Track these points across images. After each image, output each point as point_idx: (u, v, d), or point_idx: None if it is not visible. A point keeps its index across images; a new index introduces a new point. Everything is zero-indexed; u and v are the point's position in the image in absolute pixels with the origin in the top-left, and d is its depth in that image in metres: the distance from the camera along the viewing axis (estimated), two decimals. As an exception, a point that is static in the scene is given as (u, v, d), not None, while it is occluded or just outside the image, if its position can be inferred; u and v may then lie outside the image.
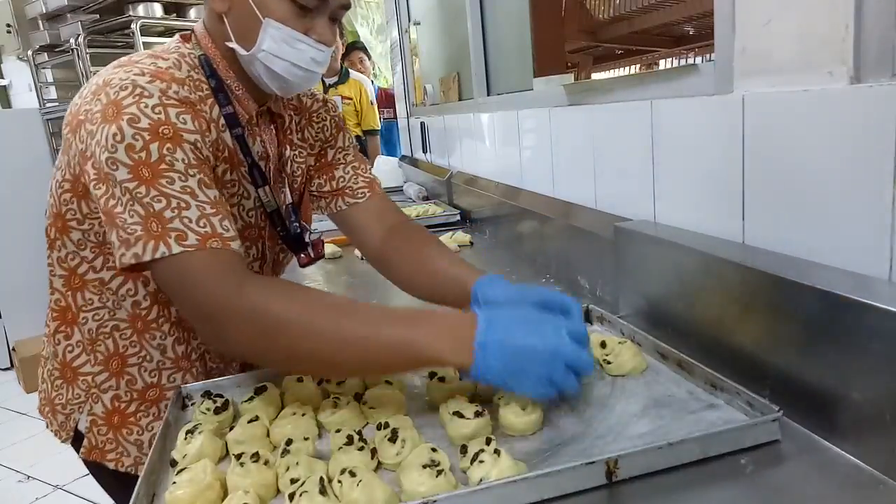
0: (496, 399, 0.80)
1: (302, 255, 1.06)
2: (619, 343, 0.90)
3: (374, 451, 0.72)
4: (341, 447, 0.72)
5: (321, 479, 0.65)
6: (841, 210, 0.72)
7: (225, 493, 0.68)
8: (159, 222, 0.75)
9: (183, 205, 0.76)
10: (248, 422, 0.79)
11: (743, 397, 0.73)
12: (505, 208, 1.79)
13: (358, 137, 4.16)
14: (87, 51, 3.93)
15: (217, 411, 0.82)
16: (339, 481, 0.66)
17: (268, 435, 0.79)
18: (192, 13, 4.32)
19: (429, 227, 2.11)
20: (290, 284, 0.82)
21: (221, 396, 0.86)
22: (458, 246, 1.79)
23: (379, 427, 0.76)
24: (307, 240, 1.06)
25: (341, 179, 1.10)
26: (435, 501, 0.61)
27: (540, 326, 0.74)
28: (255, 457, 0.70)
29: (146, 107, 0.78)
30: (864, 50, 0.68)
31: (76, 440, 0.98)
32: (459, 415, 0.76)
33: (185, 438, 0.76)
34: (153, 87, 0.79)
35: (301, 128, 1.07)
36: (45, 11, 4.23)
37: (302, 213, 1.08)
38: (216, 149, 0.87)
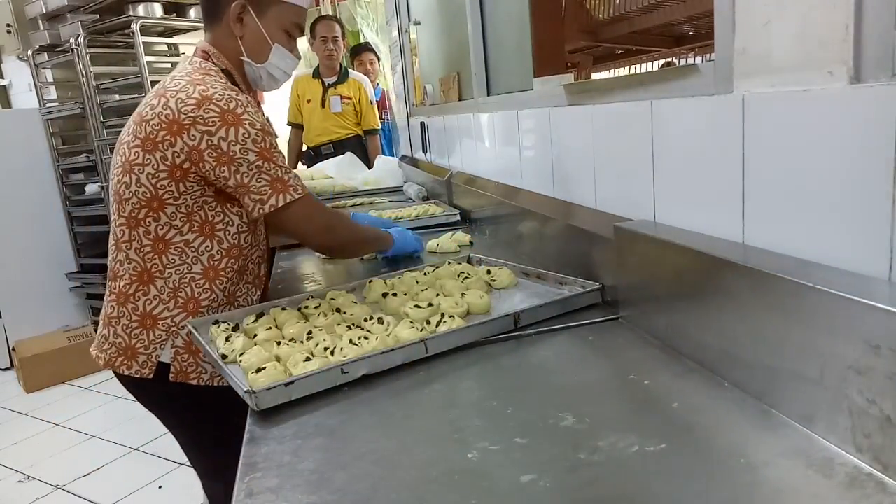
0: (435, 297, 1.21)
1: None
2: (499, 269, 1.36)
3: (367, 333, 1.05)
4: (342, 334, 1.04)
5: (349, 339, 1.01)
6: (841, 210, 0.72)
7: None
8: (281, 182, 1.23)
9: (287, 171, 1.25)
10: (265, 329, 1.13)
11: (580, 283, 1.21)
12: (505, 208, 1.79)
13: (358, 137, 4.16)
14: (87, 51, 3.94)
15: (234, 329, 1.15)
16: (366, 337, 1.02)
17: (282, 337, 1.11)
18: (192, 13, 4.32)
19: (429, 227, 2.11)
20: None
21: (227, 322, 1.18)
22: (459, 246, 1.79)
23: (365, 320, 1.13)
24: None
25: None
26: (429, 339, 1.01)
27: (405, 232, 1.66)
28: (292, 340, 1.06)
29: (251, 114, 1.20)
30: (864, 50, 0.68)
31: (159, 373, 1.26)
32: (417, 306, 1.15)
33: (226, 342, 1.08)
34: (243, 99, 1.22)
35: None
36: (45, 11, 4.23)
37: None
38: None
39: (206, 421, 1.34)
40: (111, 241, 1.29)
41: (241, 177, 1.19)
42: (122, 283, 1.26)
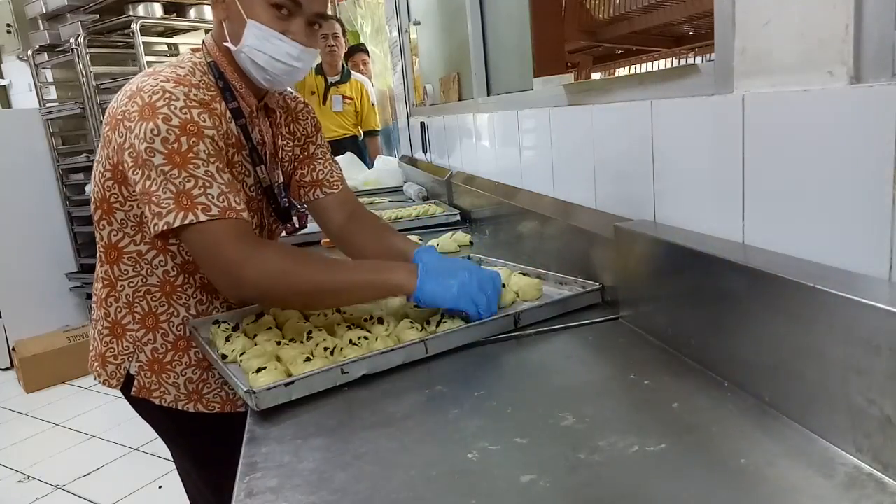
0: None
1: (288, 225, 1.33)
2: (498, 269, 1.29)
3: (367, 333, 1.03)
4: (343, 334, 1.04)
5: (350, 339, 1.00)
6: (841, 210, 0.72)
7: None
8: (188, 198, 0.97)
9: (207, 185, 0.98)
10: (265, 329, 1.11)
11: (580, 283, 1.21)
12: (505, 208, 1.79)
13: (354, 137, 4.16)
14: (87, 51, 3.94)
15: (234, 329, 1.12)
16: (366, 337, 1.00)
17: (282, 337, 1.09)
18: (192, 13, 4.32)
19: (428, 227, 2.12)
20: (287, 246, 1.10)
21: (227, 322, 1.14)
22: (459, 246, 1.79)
23: (365, 320, 1.11)
24: (293, 213, 1.32)
25: (320, 172, 1.37)
26: (429, 339, 1.00)
27: (457, 267, 1.08)
28: (292, 340, 1.05)
29: (175, 108, 0.99)
30: (864, 50, 0.68)
31: (126, 384, 1.20)
32: (417, 306, 1.10)
33: (226, 342, 1.06)
34: (178, 92, 1.01)
35: (288, 123, 1.33)
36: (45, 11, 4.23)
37: (291, 192, 1.35)
38: (227, 138, 1.09)
39: (174, 438, 1.31)
40: None
41: (148, 182, 0.97)
42: (98, 286, 1.19)
